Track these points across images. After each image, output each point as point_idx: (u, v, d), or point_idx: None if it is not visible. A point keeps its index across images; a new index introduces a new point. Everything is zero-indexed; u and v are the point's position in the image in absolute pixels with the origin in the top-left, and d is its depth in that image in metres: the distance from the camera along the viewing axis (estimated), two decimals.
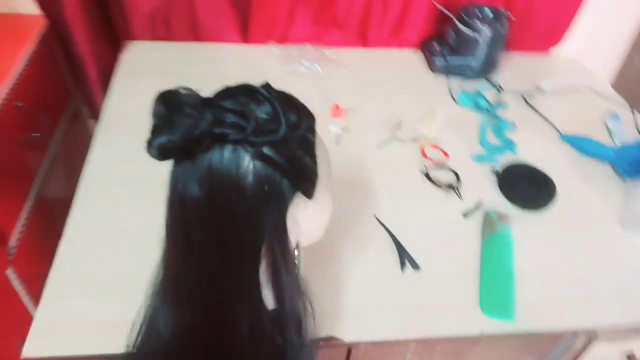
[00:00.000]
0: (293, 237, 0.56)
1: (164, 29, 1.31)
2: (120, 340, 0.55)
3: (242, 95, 0.49)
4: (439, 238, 0.91)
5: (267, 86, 0.51)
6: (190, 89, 0.47)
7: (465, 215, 0.96)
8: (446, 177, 1.04)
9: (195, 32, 1.32)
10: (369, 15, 1.35)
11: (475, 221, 0.95)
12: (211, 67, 1.26)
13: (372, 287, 0.82)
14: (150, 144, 0.44)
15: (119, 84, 1.18)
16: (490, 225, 0.93)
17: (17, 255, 0.97)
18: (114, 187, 0.93)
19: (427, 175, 1.03)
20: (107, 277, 0.78)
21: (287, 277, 0.55)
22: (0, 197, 0.95)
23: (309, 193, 0.54)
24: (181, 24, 1.30)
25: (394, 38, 1.42)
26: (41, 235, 1.07)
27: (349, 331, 0.75)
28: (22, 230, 1.01)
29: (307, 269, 0.79)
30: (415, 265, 0.85)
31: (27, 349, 0.67)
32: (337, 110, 1.15)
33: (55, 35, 1.18)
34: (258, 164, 0.47)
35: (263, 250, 0.51)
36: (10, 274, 0.96)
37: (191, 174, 0.48)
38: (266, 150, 0.47)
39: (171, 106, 0.45)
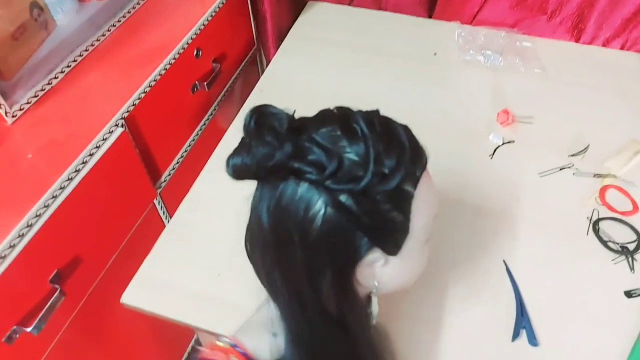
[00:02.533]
0: (363, 289, 0.50)
1: None
2: (207, 315, 0.55)
3: (337, 126, 0.43)
4: (579, 314, 0.71)
5: (371, 116, 0.45)
6: (284, 111, 0.43)
7: (629, 294, 0.73)
8: (622, 235, 0.80)
9: (378, 1, 1.24)
10: (592, 4, 1.07)
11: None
12: (383, 39, 1.17)
13: (468, 350, 0.69)
14: (227, 161, 0.42)
15: (286, 48, 1.18)
16: None
17: (165, 189, 1.09)
18: None
19: (595, 226, 0.81)
20: (214, 249, 0.81)
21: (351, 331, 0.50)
22: (165, 137, 1.07)
23: (391, 250, 0.47)
24: None
25: (619, 37, 1.11)
26: (188, 178, 1.18)
27: None
28: (175, 168, 1.12)
29: (387, 312, 0.71)
30: (533, 340, 0.68)
31: (126, 297, 0.75)
32: (505, 116, 0.96)
33: None
34: (331, 210, 0.42)
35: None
36: (158, 204, 1.08)
37: (266, 198, 0.45)
38: (344, 198, 0.42)
39: (258, 125, 0.42)
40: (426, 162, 0.48)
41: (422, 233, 0.48)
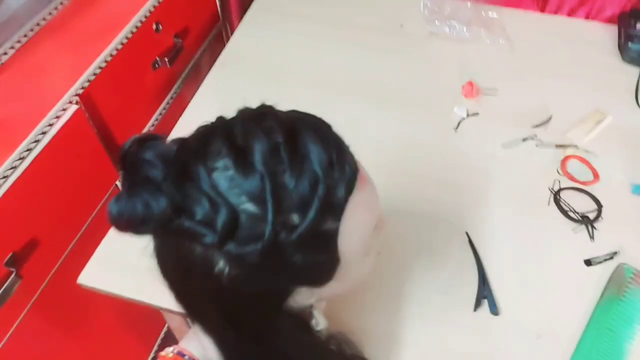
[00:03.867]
0: (301, 305, 0.46)
1: None
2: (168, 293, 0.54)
3: (229, 157, 0.35)
4: (540, 283, 0.72)
5: (274, 139, 0.36)
6: (160, 144, 0.36)
7: (588, 262, 0.74)
8: (583, 205, 0.81)
9: None
10: None
11: (600, 274, 0.73)
12: (348, 11, 1.14)
13: (431, 317, 0.69)
14: (109, 207, 0.35)
15: (249, 21, 1.15)
16: (618, 285, 0.71)
17: None
18: None
19: (557, 196, 0.81)
20: None
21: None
22: (125, 115, 1.03)
23: (320, 284, 0.42)
24: None
25: (584, 5, 1.11)
26: None
27: (382, 355, 0.65)
28: None
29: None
30: (494, 309, 0.69)
31: (83, 277, 0.73)
32: (470, 88, 0.96)
33: None
34: (236, 270, 0.37)
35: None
36: (120, 186, 1.05)
37: (164, 253, 0.40)
38: (249, 257, 0.36)
39: (130, 173, 0.36)
40: (353, 179, 0.39)
41: (357, 253, 0.43)
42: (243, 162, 0.35)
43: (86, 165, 0.94)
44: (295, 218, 0.36)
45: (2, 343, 0.81)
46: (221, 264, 0.36)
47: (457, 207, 0.81)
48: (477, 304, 0.69)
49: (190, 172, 0.35)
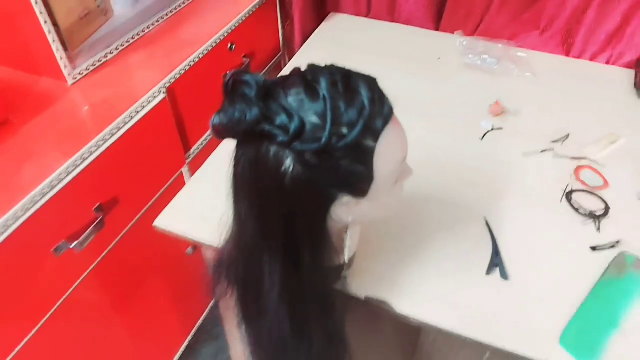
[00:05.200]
0: (338, 224, 0.57)
1: (366, 7, 1.42)
2: None
3: (302, 88, 0.48)
4: (547, 259, 0.81)
5: (335, 76, 0.49)
6: (257, 76, 0.48)
7: (594, 248, 0.83)
8: (592, 204, 0.90)
9: (392, 13, 1.40)
10: (580, 22, 1.22)
11: (603, 259, 0.81)
12: (394, 45, 1.32)
13: (449, 276, 0.79)
14: (212, 120, 0.48)
15: (307, 48, 1.34)
16: (619, 267, 0.79)
17: (193, 160, 1.23)
18: None
19: (569, 195, 0.91)
20: None
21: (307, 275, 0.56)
22: (196, 115, 1.22)
23: (358, 195, 0.54)
24: (381, 5, 1.39)
25: (605, 51, 1.25)
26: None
27: (405, 305, 0.75)
28: (203, 144, 1.27)
29: (382, 236, 0.82)
30: (504, 274, 0.79)
31: (158, 221, 0.87)
32: (496, 107, 1.09)
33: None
34: (299, 167, 0.48)
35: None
36: (185, 172, 1.22)
37: (246, 155, 0.51)
38: (308, 156, 0.48)
39: (233, 91, 0.48)
40: (389, 115, 0.51)
41: (388, 178, 0.54)
42: (312, 90, 0.48)
43: (163, 146, 1.11)
44: (345, 130, 0.48)
45: (79, 280, 0.95)
46: (288, 162, 0.48)
47: (478, 199, 0.92)
48: (490, 269, 0.79)
49: (274, 94, 0.49)
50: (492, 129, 1.06)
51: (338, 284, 0.66)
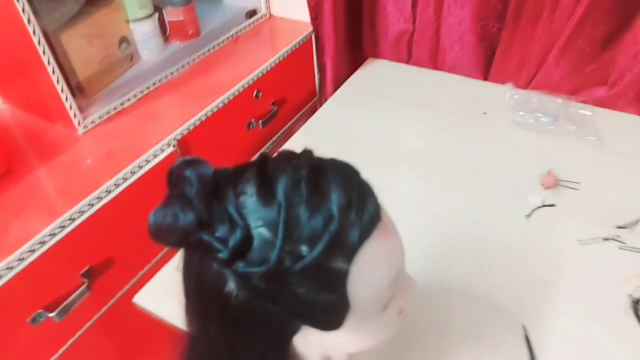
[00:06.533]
0: (310, 356, 0.45)
1: (406, 52, 1.30)
2: None
3: (256, 185, 0.38)
4: None
5: (298, 175, 0.38)
6: (203, 167, 0.40)
7: None
8: None
9: (435, 60, 1.27)
10: None
11: None
12: (434, 96, 1.19)
13: None
14: (149, 217, 0.39)
15: (339, 96, 1.24)
16: None
17: None
18: None
19: (637, 305, 0.72)
20: None
21: None
22: (217, 162, 1.14)
23: (327, 328, 0.42)
24: (423, 51, 1.27)
25: None
26: None
27: None
28: None
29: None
30: None
31: (138, 297, 0.79)
32: (549, 178, 0.92)
33: (313, 43, 1.33)
34: (243, 294, 0.38)
35: None
36: None
37: (188, 266, 0.43)
38: (255, 280, 0.37)
39: (170, 187, 0.40)
40: (372, 225, 0.40)
41: (371, 305, 0.42)
42: (266, 191, 0.38)
43: None
44: (303, 249, 0.37)
45: (59, 353, 0.87)
46: (231, 285, 0.38)
47: (517, 297, 0.75)
48: None
49: (220, 193, 0.39)
50: (542, 206, 0.89)
51: None
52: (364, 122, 1.13)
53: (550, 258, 0.81)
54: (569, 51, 1.07)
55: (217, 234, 0.37)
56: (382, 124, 1.12)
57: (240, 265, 0.37)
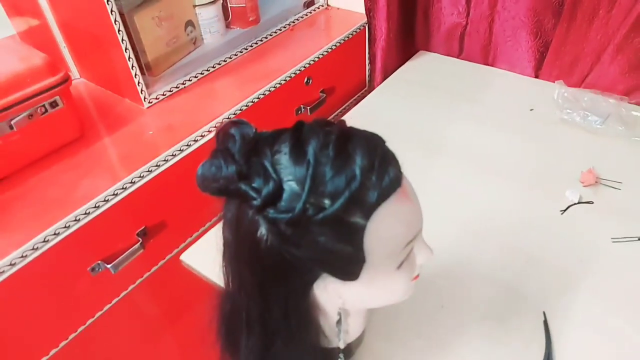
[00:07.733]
0: (330, 305, 0.50)
1: (458, 46, 1.31)
2: None
3: (289, 146, 0.43)
4: None
5: (328, 138, 0.43)
6: (246, 128, 0.45)
7: None
8: None
9: (487, 55, 1.27)
10: None
11: None
12: (482, 91, 1.19)
13: None
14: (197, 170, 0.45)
15: (385, 86, 1.27)
16: None
17: None
18: None
19: None
20: None
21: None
22: None
23: (344, 277, 0.47)
24: (474, 45, 1.27)
25: None
26: None
27: None
28: None
29: (409, 313, 0.72)
30: None
31: (185, 255, 0.86)
32: (589, 176, 0.91)
33: (366, 34, 1.36)
34: (272, 238, 0.43)
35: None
36: None
37: (227, 213, 0.47)
38: (283, 227, 0.42)
39: (222, 139, 0.45)
40: (391, 188, 0.44)
41: (386, 261, 0.46)
42: (298, 151, 0.43)
43: None
44: (326, 202, 0.41)
45: (112, 304, 0.97)
46: (263, 230, 0.43)
47: (541, 286, 0.76)
48: None
49: (259, 150, 0.44)
50: (579, 202, 0.89)
51: None
52: (409, 113, 1.16)
53: (582, 253, 0.81)
54: (624, 50, 1.04)
55: (254, 185, 0.42)
56: (426, 115, 1.14)
57: (270, 212, 0.42)
